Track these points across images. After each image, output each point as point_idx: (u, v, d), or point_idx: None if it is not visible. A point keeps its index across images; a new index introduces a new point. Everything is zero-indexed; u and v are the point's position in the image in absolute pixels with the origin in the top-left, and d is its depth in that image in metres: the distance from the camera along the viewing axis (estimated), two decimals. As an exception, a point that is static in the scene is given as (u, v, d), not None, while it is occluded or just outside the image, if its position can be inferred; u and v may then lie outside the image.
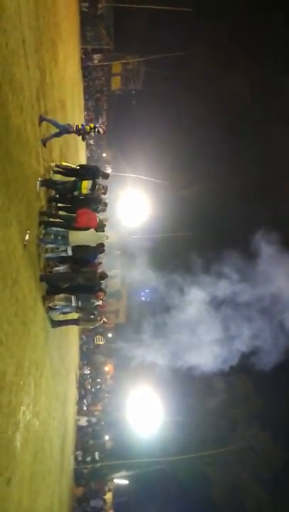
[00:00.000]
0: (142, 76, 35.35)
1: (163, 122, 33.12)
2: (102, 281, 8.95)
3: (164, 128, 32.57)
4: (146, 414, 23.05)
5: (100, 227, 8.93)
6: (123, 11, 28.75)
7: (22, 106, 6.20)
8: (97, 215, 8.98)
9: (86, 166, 9.81)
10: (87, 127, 9.15)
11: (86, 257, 8.23)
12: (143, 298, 35.90)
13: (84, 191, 8.55)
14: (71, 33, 18.45)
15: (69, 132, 8.95)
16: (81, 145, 23.36)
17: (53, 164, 8.85)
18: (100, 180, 9.30)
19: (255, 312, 19.84)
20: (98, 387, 25.93)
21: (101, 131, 9.45)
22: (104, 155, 33.52)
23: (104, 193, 9.34)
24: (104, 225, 9.38)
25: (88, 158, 28.37)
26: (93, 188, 8.84)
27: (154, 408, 23.25)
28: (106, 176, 9.49)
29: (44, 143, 8.00)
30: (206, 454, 26.54)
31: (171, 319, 22.13)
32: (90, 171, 9.09)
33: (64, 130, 8.72)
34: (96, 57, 27.61)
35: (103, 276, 8.84)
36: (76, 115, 20.05)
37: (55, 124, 8.51)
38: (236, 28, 30.84)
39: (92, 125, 9.26)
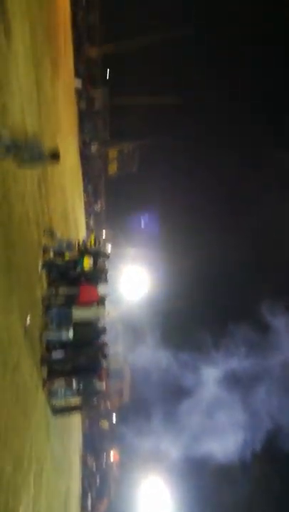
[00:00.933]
0: (136, 160, 37.65)
1: (159, 199, 34.64)
2: (104, 360, 8.74)
3: (159, 204, 34.03)
4: (156, 505, 20.98)
5: (102, 301, 8.98)
6: (117, 105, 31.62)
7: (24, 195, 6.54)
8: (99, 288, 9.07)
9: (87, 249, 10.08)
10: (89, 242, 9.41)
11: (87, 340, 8.12)
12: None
13: (86, 267, 8.67)
14: (71, 126, 20.02)
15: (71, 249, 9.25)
16: (81, 227, 24.19)
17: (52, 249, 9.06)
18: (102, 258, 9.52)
19: (271, 387, 18.76)
20: (103, 479, 23.89)
21: (104, 244, 9.77)
22: (104, 234, 34.53)
23: (106, 267, 9.49)
24: (105, 299, 9.44)
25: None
26: (95, 264, 9.02)
27: (166, 502, 21.22)
28: (107, 256, 9.72)
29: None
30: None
31: (180, 399, 21.02)
32: (90, 251, 9.34)
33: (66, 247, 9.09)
34: (93, 147, 29.70)
35: (105, 355, 8.67)
36: (76, 198, 21.03)
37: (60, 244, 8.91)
38: (225, 113, 33.32)
39: (92, 238, 9.52)
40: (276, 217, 30.15)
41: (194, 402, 19.75)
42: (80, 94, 25.59)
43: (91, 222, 30.73)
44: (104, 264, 9.48)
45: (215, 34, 29.31)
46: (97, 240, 9.50)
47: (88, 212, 30.52)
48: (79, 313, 7.96)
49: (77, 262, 8.93)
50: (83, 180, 28.26)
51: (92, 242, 9.28)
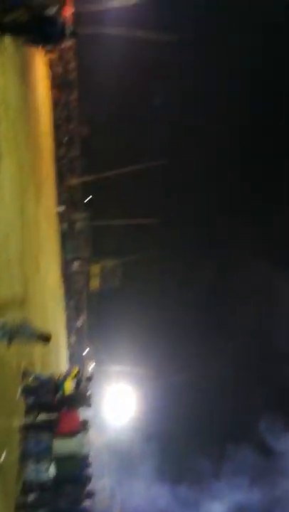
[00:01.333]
0: (118, 275, 38.66)
1: (143, 312, 34.69)
2: (88, 500, 7.77)
3: (144, 317, 33.95)
4: None
5: (85, 427, 8.35)
6: (97, 226, 33.68)
7: (5, 315, 6.47)
8: (81, 413, 8.50)
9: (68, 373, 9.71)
10: (71, 376, 9.05)
11: (70, 477, 7.31)
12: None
13: (67, 390, 8.21)
14: (53, 246, 20.85)
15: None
16: (62, 346, 23.57)
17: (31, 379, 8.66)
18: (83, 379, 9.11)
19: None
20: None
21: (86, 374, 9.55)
22: (85, 352, 33.52)
23: (89, 391, 9.02)
24: (87, 424, 8.78)
25: (70, 357, 28.20)
26: (77, 387, 8.57)
27: None
28: (89, 379, 9.33)
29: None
30: None
31: None
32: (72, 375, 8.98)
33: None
34: (75, 265, 30.64)
35: (90, 494, 7.76)
36: (57, 316, 20.87)
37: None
38: (200, 234, 35.61)
39: (75, 372, 9.17)
40: (267, 326, 30.27)
41: None
42: (62, 217, 27.26)
43: (73, 340, 30.03)
44: (87, 387, 9.04)
45: (187, 165, 32.81)
46: (79, 373, 9.12)
47: (70, 329, 30.03)
48: (60, 446, 7.29)
49: (59, 386, 8.51)
50: (65, 296, 28.43)
51: (74, 375, 8.84)
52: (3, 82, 7.77)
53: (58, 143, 25.74)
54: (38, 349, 10.49)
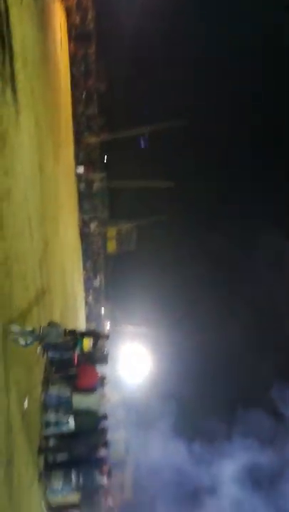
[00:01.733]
0: (134, 238, 38.72)
1: (157, 276, 34.95)
2: (105, 451, 8.14)
3: (159, 282, 34.20)
4: None
5: (102, 383, 8.63)
6: (115, 187, 33.41)
7: (26, 273, 6.57)
8: (98, 370, 8.77)
9: (85, 332, 9.93)
10: (84, 347, 9.11)
11: (88, 430, 7.64)
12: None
13: (86, 347, 8.42)
14: (71, 207, 20.83)
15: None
16: (80, 304, 24.05)
17: None
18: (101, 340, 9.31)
19: None
20: None
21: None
22: (102, 311, 34.20)
23: (106, 349, 9.25)
24: (105, 379, 9.08)
25: (87, 316, 28.85)
26: (94, 345, 8.78)
27: None
28: (106, 337, 9.50)
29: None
30: None
31: (193, 499, 18.93)
32: (90, 333, 9.16)
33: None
34: (92, 225, 30.71)
35: (106, 444, 8.10)
36: (75, 275, 21.17)
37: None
38: (217, 196, 35.02)
39: (86, 343, 9.21)
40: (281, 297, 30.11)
41: (209, 503, 17.82)
42: (79, 177, 27.06)
43: (90, 299, 30.60)
44: (104, 345, 9.24)
45: (208, 127, 31.75)
46: (97, 332, 9.25)
47: (87, 288, 30.54)
48: (79, 400, 7.57)
49: (77, 343, 8.73)
50: (83, 256, 28.73)
51: (86, 347, 8.94)
52: (20, 34, 7.45)
53: (76, 99, 25.09)
54: (58, 307, 10.73)
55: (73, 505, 7.93)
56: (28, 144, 7.51)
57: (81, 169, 26.28)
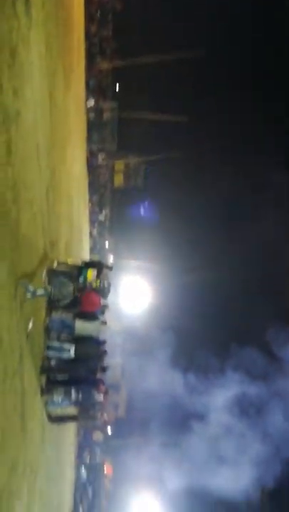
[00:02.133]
0: (142, 173, 38.03)
1: (163, 213, 34.92)
2: (103, 373, 8.73)
3: (164, 219, 34.25)
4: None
5: (103, 310, 9.03)
6: (125, 118, 32.14)
7: (33, 201, 6.62)
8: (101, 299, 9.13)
9: (90, 262, 10.14)
10: (88, 277, 9.20)
11: (88, 355, 8.13)
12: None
13: (90, 277, 8.70)
14: (79, 136, 20.27)
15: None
16: (85, 236, 24.30)
17: (56, 263, 9.06)
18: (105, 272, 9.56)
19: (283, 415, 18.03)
20: (95, 493, 23.48)
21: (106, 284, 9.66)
22: (106, 244, 34.62)
23: (109, 280, 9.53)
24: (106, 308, 9.49)
25: (91, 248, 29.27)
26: (98, 276, 9.05)
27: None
28: (110, 268, 9.72)
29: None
30: None
31: (179, 419, 20.48)
32: (94, 264, 9.36)
33: None
34: (100, 156, 30.03)
35: (104, 369, 8.67)
36: (81, 207, 21.18)
37: None
38: (232, 133, 33.77)
39: (90, 274, 9.29)
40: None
41: (198, 428, 19.27)
42: (89, 107, 26.01)
43: (95, 232, 30.85)
44: (108, 276, 9.50)
45: (225, 58, 29.82)
46: (100, 263, 9.40)
47: (92, 221, 30.67)
48: (81, 326, 7.97)
49: (81, 273, 8.97)
50: (89, 189, 28.50)
51: (90, 277, 9.10)
52: None
53: (89, 18, 23.36)
54: (63, 237, 10.90)
55: (71, 417, 8.70)
56: (39, 65, 7.18)
57: (91, 102, 25.20)
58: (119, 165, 37.45)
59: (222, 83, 30.94)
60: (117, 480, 26.21)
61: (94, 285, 9.12)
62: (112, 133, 30.98)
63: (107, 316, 10.20)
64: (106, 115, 28.81)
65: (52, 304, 8.26)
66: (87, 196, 27.34)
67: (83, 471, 23.19)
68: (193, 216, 33.10)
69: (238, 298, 30.26)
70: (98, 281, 9.21)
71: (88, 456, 24.29)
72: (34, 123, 6.56)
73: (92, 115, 26.25)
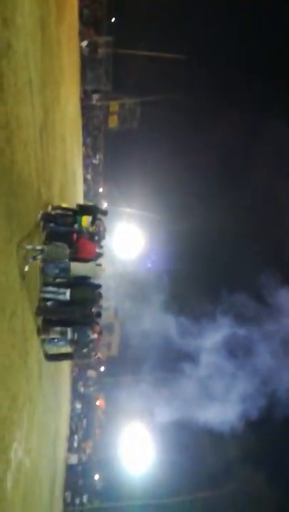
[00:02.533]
0: (138, 116, 36.65)
1: (158, 159, 34.09)
2: (97, 314, 8.98)
3: (158, 165, 33.49)
4: (138, 453, 22.23)
5: (98, 256, 9.13)
6: (121, 55, 30.33)
7: (26, 141, 6.42)
8: (96, 245, 9.19)
9: (84, 205, 10.05)
10: (83, 223, 9.05)
11: (84, 296, 8.29)
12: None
13: (84, 224, 8.70)
14: (73, 74, 19.25)
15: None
16: (79, 180, 23.87)
17: (50, 208, 8.95)
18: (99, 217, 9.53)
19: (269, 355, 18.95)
20: (89, 423, 25.15)
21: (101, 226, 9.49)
22: (100, 190, 34.12)
23: (104, 225, 9.56)
24: (102, 255, 9.59)
25: (85, 193, 28.88)
26: (93, 222, 9.05)
27: (147, 446, 22.47)
28: (105, 213, 9.71)
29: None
30: (199, 496, 25.39)
31: (165, 356, 21.48)
32: (89, 209, 9.32)
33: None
34: (95, 96, 28.71)
35: (99, 314, 8.91)
36: (75, 150, 20.60)
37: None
38: (231, 75, 32.28)
39: (85, 220, 9.16)
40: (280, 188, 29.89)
41: (184, 364, 20.21)
42: (83, 39, 24.42)
43: (89, 177, 30.29)
44: (102, 222, 9.49)
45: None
46: (95, 209, 9.31)
47: (86, 165, 30.01)
48: (77, 269, 8.07)
49: (75, 219, 8.93)
50: (83, 132, 27.56)
51: (85, 223, 9.01)
52: None
53: None
54: (57, 181, 10.70)
55: (67, 355, 9.07)
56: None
57: (85, 43, 23.64)
58: (114, 106, 35.98)
59: (225, 23, 29.15)
60: (109, 413, 27.96)
61: (89, 231, 9.15)
62: (106, 71, 29.36)
63: (102, 261, 10.33)
64: (101, 51, 27.15)
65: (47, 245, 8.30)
66: (80, 139, 26.49)
67: (78, 404, 24.64)
68: (189, 162, 32.46)
69: (232, 245, 30.54)
70: (94, 227, 9.23)
71: (82, 388, 25.68)
72: (26, 56, 6.20)
73: (86, 50, 24.74)
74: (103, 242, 10.14)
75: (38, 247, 7.01)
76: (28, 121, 6.48)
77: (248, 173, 32.41)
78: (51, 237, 8.82)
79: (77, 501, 19.70)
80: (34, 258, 6.78)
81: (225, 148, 33.11)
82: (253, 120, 31.94)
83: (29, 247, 6.40)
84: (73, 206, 9.71)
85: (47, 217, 8.36)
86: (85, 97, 26.72)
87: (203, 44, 30.67)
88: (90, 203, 10.12)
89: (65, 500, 18.67)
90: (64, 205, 9.70)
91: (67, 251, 7.87)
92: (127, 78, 32.55)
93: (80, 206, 9.64)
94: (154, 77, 32.48)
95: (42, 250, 7.08)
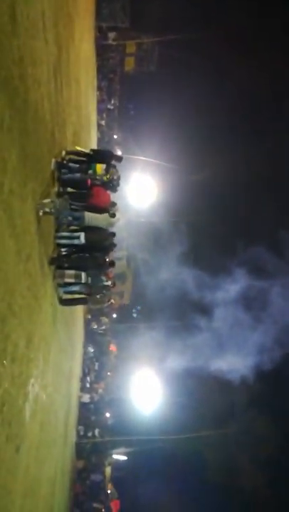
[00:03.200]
0: (156, 57, 34.81)
1: (176, 105, 32.69)
2: (110, 261, 9.06)
3: (176, 111, 32.18)
4: (147, 394, 23.47)
5: (112, 206, 9.04)
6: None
7: (40, 80, 6.18)
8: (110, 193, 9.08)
9: (99, 150, 9.77)
10: (97, 171, 8.78)
11: (97, 244, 8.31)
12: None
13: (99, 171, 8.54)
14: (87, 9, 18.13)
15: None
16: (93, 126, 23.22)
17: (64, 152, 8.76)
18: (113, 164, 9.31)
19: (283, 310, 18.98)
20: (101, 366, 26.39)
21: (115, 177, 9.17)
22: (115, 137, 33.21)
23: (118, 177, 9.36)
24: (116, 204, 9.48)
25: (99, 140, 28.18)
26: (107, 170, 8.87)
27: (155, 387, 23.64)
28: (119, 159, 9.46)
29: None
30: (204, 434, 27.00)
31: (177, 306, 21.78)
32: (103, 155, 9.08)
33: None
34: (111, 35, 27.16)
35: (112, 263, 8.96)
36: (89, 94, 19.88)
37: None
38: (257, 16, 30.00)
39: (99, 168, 8.87)
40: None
41: (198, 315, 20.48)
42: None
43: (103, 122, 29.40)
44: (117, 169, 9.26)
45: None
46: (109, 156, 9.01)
47: (100, 110, 29.03)
48: (91, 218, 8.05)
49: (89, 166, 8.75)
50: (97, 74, 26.41)
51: (99, 170, 8.77)
52: None
53: None
54: (71, 125, 10.42)
55: (80, 300, 9.30)
56: None
57: None
58: (131, 46, 34.09)
59: None
60: (121, 358, 29.17)
61: (104, 179, 9.00)
62: (124, 8, 27.52)
63: (116, 210, 10.24)
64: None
65: (61, 191, 8.25)
66: (95, 82, 25.44)
67: (91, 348, 25.71)
68: (210, 109, 31.06)
69: (250, 197, 29.89)
70: (108, 175, 9.06)
71: (95, 326, 26.62)
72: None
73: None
74: (117, 191, 10.00)
75: (49, 200, 6.93)
76: (42, 58, 6.20)
77: (272, 124, 31.02)
78: (66, 185, 8.74)
79: (90, 434, 21.21)
80: (49, 210, 6.73)
81: (248, 95, 31.53)
82: (281, 66, 30.06)
83: (45, 200, 6.41)
84: (87, 151, 9.48)
85: (61, 165, 8.24)
86: (100, 35, 25.32)
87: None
88: (106, 150, 9.83)
89: (78, 432, 20.06)
90: (78, 148, 9.48)
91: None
92: (145, 15, 30.44)
93: (94, 151, 9.41)
94: (175, 14, 30.36)
95: (53, 202, 7.01)
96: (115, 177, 9.40)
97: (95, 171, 8.80)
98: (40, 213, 6.37)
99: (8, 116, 4.46)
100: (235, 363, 19.39)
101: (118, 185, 9.73)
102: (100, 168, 8.84)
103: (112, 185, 9.29)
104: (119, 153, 29.52)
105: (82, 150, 9.29)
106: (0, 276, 4.47)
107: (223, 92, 31.51)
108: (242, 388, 27.96)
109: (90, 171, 8.86)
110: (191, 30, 29.78)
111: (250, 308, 19.86)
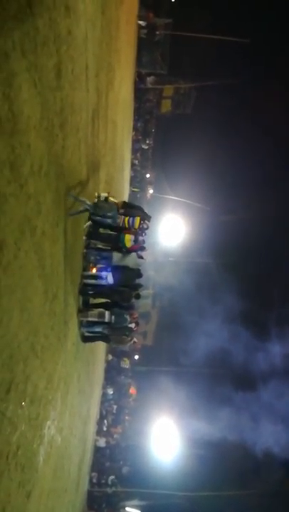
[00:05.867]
0: (192, 101, 35.85)
1: (209, 148, 33.27)
2: (136, 301, 9.00)
3: (210, 153, 32.70)
4: (166, 443, 22.32)
5: (140, 250, 9.02)
6: (179, 38, 29.60)
7: (79, 126, 6.44)
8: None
9: (131, 204, 9.67)
10: (126, 243, 8.51)
11: (124, 283, 8.30)
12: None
13: (128, 244, 8.38)
14: (128, 57, 19.09)
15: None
16: (126, 165, 23.86)
17: (96, 195, 8.80)
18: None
19: None
20: (120, 409, 25.60)
21: (145, 226, 9.10)
22: (147, 176, 33.94)
23: (147, 226, 9.14)
24: (144, 248, 9.44)
25: (132, 178, 28.86)
26: (136, 240, 8.73)
27: (176, 437, 22.52)
28: (148, 218, 9.22)
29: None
30: (225, 494, 25.10)
31: (205, 352, 20.98)
32: (133, 210, 8.93)
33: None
34: (149, 80, 28.36)
35: (138, 296, 8.89)
36: (125, 134, 20.57)
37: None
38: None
39: (128, 239, 8.59)
40: None
41: (224, 365, 19.36)
42: (141, 20, 24.07)
43: (136, 162, 30.19)
44: (147, 224, 9.04)
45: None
46: (143, 223, 8.86)
47: (135, 150, 29.87)
48: (119, 258, 8.11)
49: (118, 238, 8.58)
50: (134, 115, 27.41)
51: (128, 243, 8.68)
52: None
53: None
54: (106, 165, 10.72)
55: (103, 338, 9.19)
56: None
57: (143, 23, 23.23)
58: (169, 90, 35.34)
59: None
60: (139, 401, 28.27)
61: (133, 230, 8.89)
62: (163, 54, 28.84)
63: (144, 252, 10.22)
64: (159, 33, 26.62)
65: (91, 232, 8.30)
66: (131, 123, 26.39)
67: (110, 390, 25.10)
68: (243, 151, 31.37)
69: (284, 244, 29.38)
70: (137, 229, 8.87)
71: (115, 372, 26.14)
72: (84, 41, 6.17)
73: (143, 32, 24.37)
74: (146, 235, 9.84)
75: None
76: (82, 106, 6.49)
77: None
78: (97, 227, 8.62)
79: (103, 481, 20.25)
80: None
81: (283, 139, 31.71)
82: None
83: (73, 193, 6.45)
84: (119, 203, 9.22)
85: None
86: (139, 79, 26.48)
87: (264, 28, 29.29)
88: (136, 204, 9.68)
89: (91, 479, 19.23)
90: (111, 199, 9.24)
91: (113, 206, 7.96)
92: (184, 61, 31.75)
93: (125, 204, 9.34)
94: (212, 61, 31.50)
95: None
96: (145, 226, 9.24)
97: (124, 244, 8.58)
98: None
99: (47, 162, 4.62)
100: (267, 433, 17.99)
101: (146, 234, 9.60)
102: (129, 239, 8.62)
103: (140, 233, 9.15)
104: (150, 192, 29.97)
105: (114, 200, 9.25)
106: (25, 316, 4.48)
107: (259, 134, 31.88)
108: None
109: (120, 244, 8.64)
110: (228, 77, 30.72)
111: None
